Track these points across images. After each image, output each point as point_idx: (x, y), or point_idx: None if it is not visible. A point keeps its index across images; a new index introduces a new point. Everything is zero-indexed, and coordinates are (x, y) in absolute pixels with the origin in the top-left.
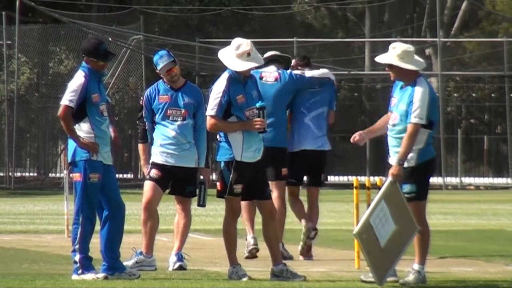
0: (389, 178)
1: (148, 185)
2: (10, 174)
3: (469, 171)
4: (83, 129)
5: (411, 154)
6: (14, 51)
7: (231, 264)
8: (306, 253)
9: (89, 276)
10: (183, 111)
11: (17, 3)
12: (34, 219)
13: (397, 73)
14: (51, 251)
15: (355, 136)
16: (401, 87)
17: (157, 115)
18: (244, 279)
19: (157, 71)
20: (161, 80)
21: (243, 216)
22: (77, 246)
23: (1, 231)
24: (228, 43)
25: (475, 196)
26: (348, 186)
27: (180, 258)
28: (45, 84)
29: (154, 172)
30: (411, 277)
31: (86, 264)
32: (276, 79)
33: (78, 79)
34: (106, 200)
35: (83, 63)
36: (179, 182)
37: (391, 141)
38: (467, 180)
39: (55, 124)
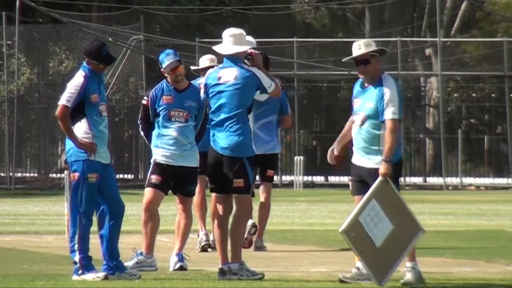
0: (379, 178)
1: (148, 189)
2: (11, 174)
3: (469, 171)
4: (81, 129)
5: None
6: (14, 51)
7: (238, 261)
8: (248, 245)
9: (89, 276)
10: (185, 113)
11: (17, 3)
12: (35, 219)
13: (372, 69)
14: (51, 252)
15: (333, 160)
16: (362, 87)
17: (160, 116)
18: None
19: (161, 69)
20: (165, 81)
21: (196, 214)
22: (76, 246)
23: (2, 231)
24: None
25: (475, 196)
26: (349, 186)
27: (181, 258)
28: (45, 84)
29: (154, 178)
30: (409, 275)
31: (86, 264)
32: None
33: (78, 79)
34: (106, 199)
35: (84, 63)
36: (179, 182)
37: (358, 142)
38: (467, 180)
39: (55, 124)
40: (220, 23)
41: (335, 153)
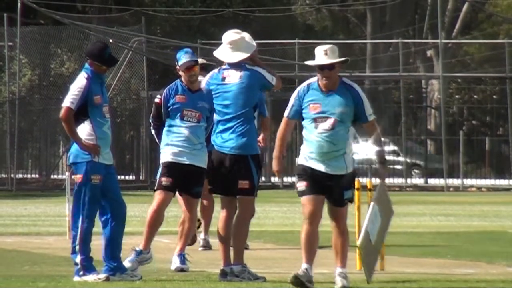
0: (381, 182)
1: (159, 191)
2: (12, 175)
3: (471, 172)
4: (84, 130)
5: (349, 161)
6: (16, 53)
7: (241, 263)
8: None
9: (90, 277)
10: (198, 113)
11: (19, 4)
12: (36, 221)
13: (335, 74)
14: (52, 253)
15: (278, 170)
16: (322, 92)
17: (172, 114)
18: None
19: (177, 66)
20: (178, 80)
21: (203, 218)
22: (77, 248)
23: (3, 233)
24: None
25: (477, 197)
26: None
27: (182, 260)
28: (47, 86)
29: (164, 180)
30: (339, 282)
31: (87, 266)
32: None
33: (80, 80)
34: (108, 201)
35: (86, 65)
36: (187, 181)
37: (323, 147)
38: (469, 181)
39: (56, 125)
40: (221, 25)
41: (280, 167)
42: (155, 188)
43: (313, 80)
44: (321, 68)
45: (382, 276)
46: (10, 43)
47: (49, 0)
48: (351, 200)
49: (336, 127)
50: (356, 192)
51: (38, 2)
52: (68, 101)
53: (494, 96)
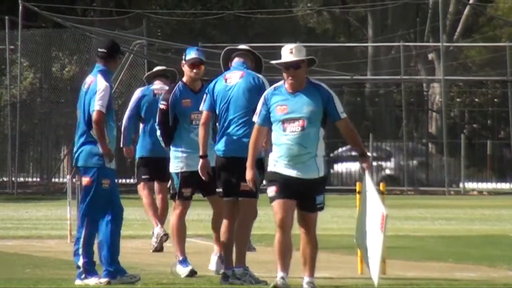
0: (367, 173)
1: (181, 202)
2: (13, 179)
3: (472, 176)
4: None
5: (321, 164)
6: (17, 56)
7: (242, 266)
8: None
9: (92, 281)
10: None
11: (20, 7)
12: (37, 224)
13: (301, 74)
14: (53, 256)
15: (251, 179)
16: (288, 93)
17: (180, 120)
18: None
19: (183, 61)
20: (180, 82)
21: (150, 211)
22: (80, 251)
23: (4, 236)
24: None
25: (478, 201)
26: (351, 191)
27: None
28: (48, 89)
29: (186, 191)
30: None
31: (90, 269)
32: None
33: (103, 83)
34: (110, 204)
35: (99, 66)
36: (206, 187)
37: (293, 149)
38: (470, 185)
39: (58, 128)
40: (222, 28)
41: (252, 176)
42: (176, 197)
43: (279, 83)
44: (287, 67)
45: (384, 280)
46: (12, 46)
47: (50, 3)
48: (322, 207)
49: (306, 128)
50: (357, 196)
51: (39, 5)
52: (98, 105)
53: (496, 100)
